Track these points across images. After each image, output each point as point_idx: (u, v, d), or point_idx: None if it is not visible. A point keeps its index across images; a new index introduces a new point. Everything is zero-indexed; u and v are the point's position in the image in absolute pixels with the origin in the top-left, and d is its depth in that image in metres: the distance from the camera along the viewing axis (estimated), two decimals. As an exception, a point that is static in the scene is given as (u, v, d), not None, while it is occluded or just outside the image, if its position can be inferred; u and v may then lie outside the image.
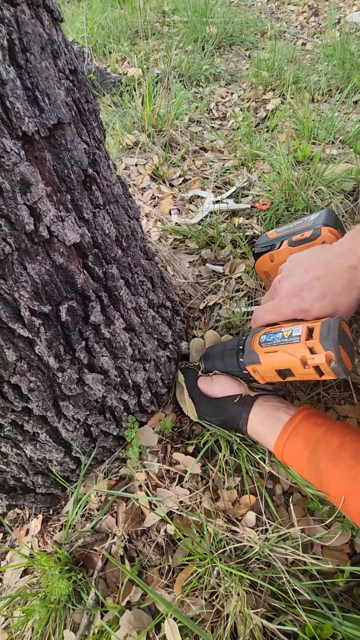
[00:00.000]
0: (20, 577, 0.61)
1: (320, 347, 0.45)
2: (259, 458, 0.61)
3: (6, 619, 0.58)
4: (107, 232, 0.46)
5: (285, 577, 0.50)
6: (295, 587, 0.50)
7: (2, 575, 0.63)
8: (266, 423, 0.56)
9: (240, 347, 0.60)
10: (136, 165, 1.22)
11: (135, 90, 1.46)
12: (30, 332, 0.40)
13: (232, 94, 1.59)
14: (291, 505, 0.57)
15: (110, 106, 1.43)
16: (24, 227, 0.34)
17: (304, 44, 1.94)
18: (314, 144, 1.22)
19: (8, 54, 0.30)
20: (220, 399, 0.62)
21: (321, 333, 0.46)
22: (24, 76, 0.32)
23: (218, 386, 0.63)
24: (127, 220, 0.52)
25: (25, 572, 0.61)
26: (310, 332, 0.48)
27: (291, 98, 1.43)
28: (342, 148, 1.18)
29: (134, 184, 1.18)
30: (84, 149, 0.40)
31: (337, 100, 1.37)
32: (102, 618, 0.53)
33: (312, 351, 0.46)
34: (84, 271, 0.45)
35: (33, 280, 0.39)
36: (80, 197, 0.41)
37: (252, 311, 0.77)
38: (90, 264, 0.45)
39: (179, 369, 0.72)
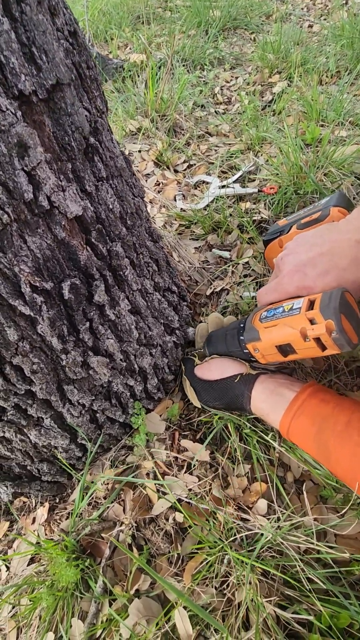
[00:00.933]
0: (27, 565, 0.60)
1: (321, 317, 0.42)
2: (270, 438, 0.59)
3: (13, 607, 0.57)
4: (110, 207, 0.44)
5: (299, 566, 0.48)
6: (309, 576, 0.48)
7: (9, 563, 0.62)
8: (269, 401, 0.54)
9: (242, 326, 0.57)
10: (140, 151, 1.19)
11: (138, 76, 1.42)
12: (31, 310, 0.38)
13: (236, 78, 1.55)
14: (304, 493, 0.55)
15: (113, 92, 1.40)
16: (23, 195, 0.32)
17: (310, 26, 1.88)
18: (322, 126, 1.18)
19: (1, 3, 0.28)
20: (219, 381, 0.60)
21: (322, 302, 0.43)
22: (19, 30, 0.30)
23: (215, 369, 0.61)
24: (132, 197, 0.50)
25: (32, 561, 0.61)
26: (311, 303, 0.45)
27: (298, 80, 1.38)
28: (352, 129, 1.14)
29: (138, 171, 1.15)
30: (85, 115, 0.38)
31: (346, 82, 1.33)
32: (110, 606, 0.52)
33: (312, 322, 0.44)
34: (87, 248, 0.43)
35: (34, 255, 0.37)
36: (82, 168, 0.39)
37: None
38: (93, 240, 0.43)
39: (181, 359, 0.70)
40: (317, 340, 0.44)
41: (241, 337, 0.57)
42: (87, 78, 0.40)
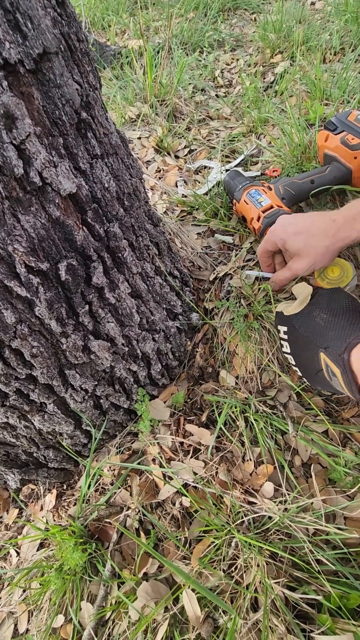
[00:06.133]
0: (37, 550, 0.60)
1: None
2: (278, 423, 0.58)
3: (24, 591, 0.57)
4: (106, 186, 0.43)
5: (308, 547, 0.48)
6: (318, 558, 0.47)
7: (19, 549, 0.62)
8: None
9: None
10: (139, 138, 1.17)
11: (136, 61, 1.39)
12: (28, 291, 0.38)
13: (237, 60, 1.51)
14: (312, 475, 0.54)
15: (111, 80, 1.38)
16: (13, 171, 0.31)
17: (313, 4, 1.82)
18: (327, 104, 1.14)
19: (-18, -35, 0.26)
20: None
21: None
22: (2, -6, 0.28)
23: None
24: (129, 177, 0.49)
25: (41, 546, 0.61)
26: None
27: (301, 59, 1.34)
28: (357, 107, 1.10)
29: (139, 158, 1.14)
30: (76, 89, 0.37)
31: (351, 59, 1.28)
32: (119, 589, 0.52)
33: None
34: (83, 228, 0.42)
35: (28, 235, 0.36)
36: (74, 144, 0.38)
37: (264, 277, 0.74)
38: (89, 220, 0.42)
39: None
40: None
41: None
42: (78, 51, 0.38)
